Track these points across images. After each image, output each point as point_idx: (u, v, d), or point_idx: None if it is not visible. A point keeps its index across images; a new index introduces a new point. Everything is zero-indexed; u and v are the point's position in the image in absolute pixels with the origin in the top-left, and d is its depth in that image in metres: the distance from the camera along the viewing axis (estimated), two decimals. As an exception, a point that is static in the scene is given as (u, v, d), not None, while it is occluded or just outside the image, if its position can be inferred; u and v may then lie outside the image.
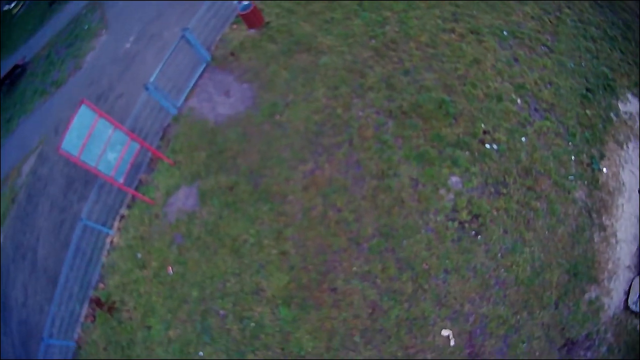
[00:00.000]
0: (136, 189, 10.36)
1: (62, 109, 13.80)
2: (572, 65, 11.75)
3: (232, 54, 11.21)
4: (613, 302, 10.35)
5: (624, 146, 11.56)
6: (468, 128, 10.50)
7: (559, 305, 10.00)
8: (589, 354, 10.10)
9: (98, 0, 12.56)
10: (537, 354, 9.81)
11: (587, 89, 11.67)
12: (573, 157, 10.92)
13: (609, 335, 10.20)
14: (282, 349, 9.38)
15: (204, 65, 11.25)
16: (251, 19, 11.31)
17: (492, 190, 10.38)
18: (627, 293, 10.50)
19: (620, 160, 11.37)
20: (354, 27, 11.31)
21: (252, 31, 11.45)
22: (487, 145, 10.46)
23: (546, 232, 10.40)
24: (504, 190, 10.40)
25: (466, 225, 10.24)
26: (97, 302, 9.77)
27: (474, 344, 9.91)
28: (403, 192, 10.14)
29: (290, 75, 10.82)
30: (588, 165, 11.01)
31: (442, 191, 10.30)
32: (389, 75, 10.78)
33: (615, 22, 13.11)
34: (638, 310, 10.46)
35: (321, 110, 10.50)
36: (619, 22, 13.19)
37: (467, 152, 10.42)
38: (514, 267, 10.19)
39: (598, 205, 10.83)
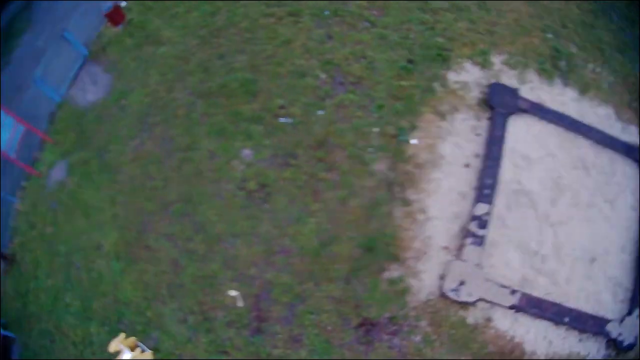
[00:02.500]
0: (32, 164, 12.78)
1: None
2: (397, 38, 11.55)
3: (103, 48, 13.27)
4: (424, 285, 10.15)
5: (448, 117, 10.96)
6: (265, 104, 11.16)
7: (351, 280, 10.16)
8: (396, 340, 9.91)
9: (30, 1, 15.53)
10: (328, 328, 9.99)
11: (409, 61, 11.37)
12: (376, 129, 10.81)
13: (423, 322, 10.04)
14: (114, 297, 10.83)
15: (82, 60, 13.41)
16: (113, 17, 13.22)
17: (281, 161, 10.90)
18: (444, 278, 10.01)
19: (439, 132, 10.83)
20: (190, 19, 12.59)
21: (119, 28, 13.39)
22: (282, 119, 10.94)
23: (336, 204, 10.49)
24: (293, 162, 10.83)
25: (254, 194, 10.87)
26: (6, 259, 12.24)
27: (261, 307, 10.53)
28: (202, 164, 11.20)
29: (136, 65, 12.54)
30: (394, 137, 10.79)
31: (235, 162, 11.11)
32: (206, 60, 11.88)
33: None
34: (459, 299, 9.91)
35: (150, 94, 12.04)
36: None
37: (261, 127, 11.10)
38: (298, 236, 10.66)
39: (402, 178, 10.59)
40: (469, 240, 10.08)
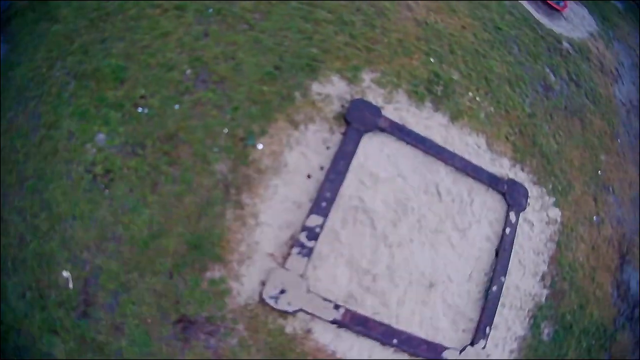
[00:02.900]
0: None
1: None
2: (271, 44, 11.46)
3: (9, 19, 13.42)
4: (245, 289, 10.18)
5: (301, 127, 10.87)
6: (129, 92, 11.23)
7: (173, 275, 10.24)
8: (212, 341, 9.93)
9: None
10: (149, 320, 9.98)
11: (276, 67, 11.30)
12: (226, 130, 10.77)
13: (240, 326, 10.09)
14: None
15: None
16: None
17: (130, 150, 10.95)
18: (265, 284, 9.95)
19: (288, 140, 10.74)
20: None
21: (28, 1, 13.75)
22: (140, 109, 11.00)
23: (172, 199, 10.53)
24: (140, 152, 10.88)
25: (98, 178, 10.95)
26: None
27: (88, 291, 10.50)
28: (60, 143, 11.34)
29: (29, 39, 12.81)
30: (242, 139, 10.75)
31: (88, 146, 11.18)
32: (89, 42, 12.03)
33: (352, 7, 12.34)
34: (276, 307, 9.90)
35: (34, 69, 12.25)
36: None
37: (119, 114, 11.16)
38: (131, 225, 10.66)
39: (240, 181, 10.57)
40: (296, 250, 10.02)
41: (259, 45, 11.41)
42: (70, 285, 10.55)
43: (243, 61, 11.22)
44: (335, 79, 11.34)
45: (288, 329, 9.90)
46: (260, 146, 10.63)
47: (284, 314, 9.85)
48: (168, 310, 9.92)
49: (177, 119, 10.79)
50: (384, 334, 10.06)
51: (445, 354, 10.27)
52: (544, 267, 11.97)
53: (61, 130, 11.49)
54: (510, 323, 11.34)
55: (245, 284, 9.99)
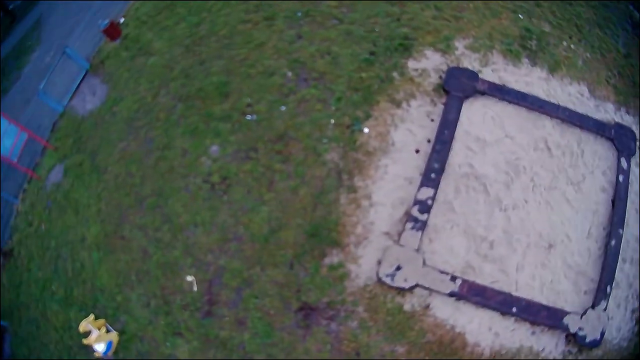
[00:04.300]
0: (33, 168, 14.28)
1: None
2: (362, 33, 11.67)
3: (102, 62, 14.63)
4: (362, 270, 10.06)
5: (403, 104, 10.80)
6: (235, 103, 11.70)
7: (294, 265, 10.33)
8: (333, 325, 9.87)
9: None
10: (271, 312, 10.21)
11: (372, 53, 11.40)
12: (332, 121, 10.86)
13: (359, 308, 9.96)
14: (92, 285, 11.70)
15: (83, 73, 14.82)
16: (110, 33, 14.55)
17: (243, 155, 11.31)
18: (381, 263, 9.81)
19: (392, 120, 10.68)
20: (178, 30, 13.53)
21: (117, 42, 14.70)
22: (248, 117, 11.36)
23: (288, 194, 10.71)
24: (254, 155, 11.20)
25: (216, 186, 11.36)
26: (4, 254, 13.74)
27: (212, 292, 10.94)
28: (174, 161, 11.93)
29: (128, 75, 13.68)
30: (348, 127, 10.81)
31: (203, 159, 11.71)
32: (188, 67, 12.70)
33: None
34: (393, 284, 9.70)
35: (138, 100, 13.06)
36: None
37: (229, 124, 11.64)
38: (251, 224, 11.01)
39: (351, 166, 10.64)
40: (409, 225, 9.71)
41: (351, 37, 11.58)
42: (195, 288, 10.80)
43: (338, 54, 11.40)
44: (429, 52, 11.23)
45: (406, 307, 9.51)
46: (366, 130, 10.57)
47: (401, 291, 9.49)
48: (289, 299, 9.89)
49: (285, 119, 11.00)
50: (503, 303, 9.37)
51: (566, 319, 9.38)
52: (661, 216, 10.78)
53: (175, 149, 12.04)
54: (632, 279, 10.22)
55: (363, 265, 9.75)
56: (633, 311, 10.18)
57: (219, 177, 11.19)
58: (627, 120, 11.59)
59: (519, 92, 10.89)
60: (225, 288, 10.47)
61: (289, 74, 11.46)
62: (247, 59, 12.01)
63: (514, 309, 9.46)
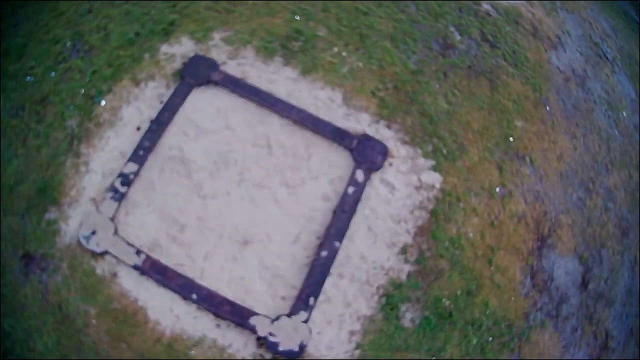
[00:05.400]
0: None
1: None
2: (139, 14, 12.39)
3: None
4: (69, 229, 11.03)
5: (141, 84, 11.47)
6: (24, 64, 12.58)
7: (24, 215, 11.32)
8: (44, 276, 10.86)
9: None
10: (5, 255, 11.13)
11: (137, 34, 12.14)
12: (83, 91, 11.79)
13: (64, 264, 10.90)
14: None
15: None
16: None
17: (14, 112, 12.22)
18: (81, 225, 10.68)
19: (128, 97, 11.37)
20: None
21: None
22: (28, 78, 12.49)
23: (34, 151, 11.65)
24: (21, 113, 12.17)
25: None
26: None
27: None
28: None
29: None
30: (92, 98, 11.61)
31: None
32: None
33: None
34: (88, 247, 10.55)
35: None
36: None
37: (14, 82, 12.49)
38: (4, 174, 11.78)
39: (82, 134, 11.45)
40: (110, 194, 10.39)
41: (129, 16, 12.38)
42: None
43: (112, 31, 12.25)
44: (185, 39, 11.73)
45: (98, 270, 10.11)
46: (103, 102, 11.38)
47: (94, 255, 10.13)
48: (18, 246, 10.79)
49: (51, 84, 12.05)
50: (183, 287, 9.53)
51: (253, 320, 9.29)
52: (406, 238, 10.35)
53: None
54: (351, 298, 9.82)
55: (70, 225, 10.54)
56: (351, 333, 9.80)
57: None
58: (384, 134, 11.18)
59: (252, 87, 11.01)
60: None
61: (68, 44, 12.43)
62: (46, 25, 13.07)
63: (194, 296, 9.61)
